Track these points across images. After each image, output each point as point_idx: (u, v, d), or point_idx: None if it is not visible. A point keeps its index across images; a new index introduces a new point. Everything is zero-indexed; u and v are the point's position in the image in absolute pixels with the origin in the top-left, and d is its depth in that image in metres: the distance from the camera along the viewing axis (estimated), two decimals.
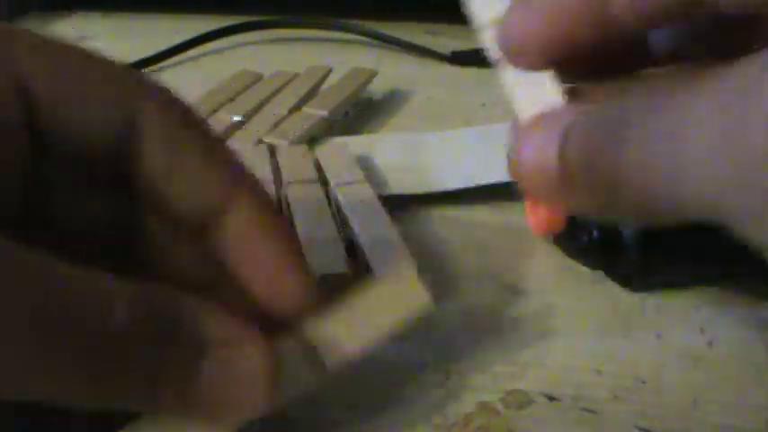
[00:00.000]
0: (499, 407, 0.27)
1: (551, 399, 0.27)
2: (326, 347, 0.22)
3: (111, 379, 0.18)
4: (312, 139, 0.43)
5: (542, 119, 0.22)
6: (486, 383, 0.28)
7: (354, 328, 0.23)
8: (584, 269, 0.34)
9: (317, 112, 0.45)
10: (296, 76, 0.50)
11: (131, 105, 0.21)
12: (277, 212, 0.24)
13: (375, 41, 0.63)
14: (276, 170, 0.38)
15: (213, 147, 0.23)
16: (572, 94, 0.23)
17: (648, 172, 0.18)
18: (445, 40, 0.65)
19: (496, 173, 0.39)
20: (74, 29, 0.67)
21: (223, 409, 0.20)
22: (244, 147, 0.41)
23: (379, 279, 0.24)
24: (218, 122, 0.44)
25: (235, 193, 0.22)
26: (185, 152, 0.22)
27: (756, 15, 0.21)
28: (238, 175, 0.23)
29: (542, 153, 0.21)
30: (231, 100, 0.46)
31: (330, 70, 0.51)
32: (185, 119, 0.22)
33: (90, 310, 0.18)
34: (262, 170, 0.37)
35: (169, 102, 0.22)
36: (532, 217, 0.35)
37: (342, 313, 0.23)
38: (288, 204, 0.34)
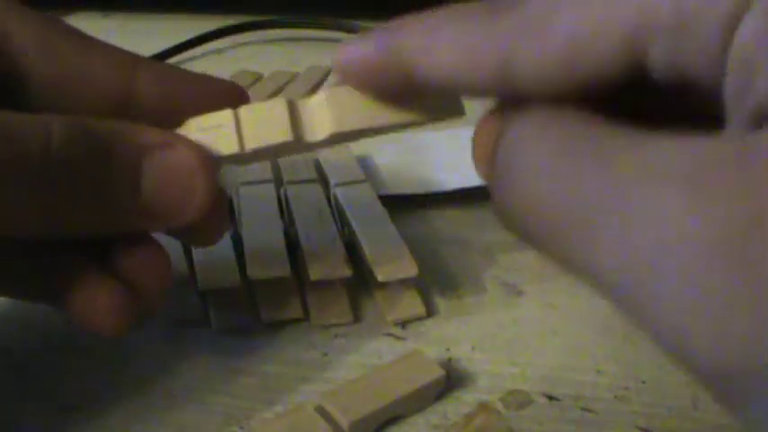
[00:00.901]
0: (499, 407, 0.27)
1: (551, 399, 0.27)
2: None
3: (66, 200, 0.20)
4: None
5: (498, 108, 0.20)
6: (486, 383, 0.28)
7: None
8: None
9: None
10: (296, 76, 0.50)
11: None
12: (187, 73, 0.25)
13: None
14: (276, 170, 0.38)
15: (94, 41, 0.24)
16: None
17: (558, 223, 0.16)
18: None
19: None
20: None
21: (171, 207, 0.22)
22: None
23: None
24: None
25: (135, 67, 0.24)
26: (65, 47, 0.23)
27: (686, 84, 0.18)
28: (132, 55, 0.24)
29: (481, 145, 0.19)
30: None
31: (330, 70, 0.51)
32: (55, 22, 0.24)
33: (31, 140, 0.20)
34: (262, 170, 0.37)
35: (36, 14, 0.23)
36: None
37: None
38: (288, 204, 0.34)
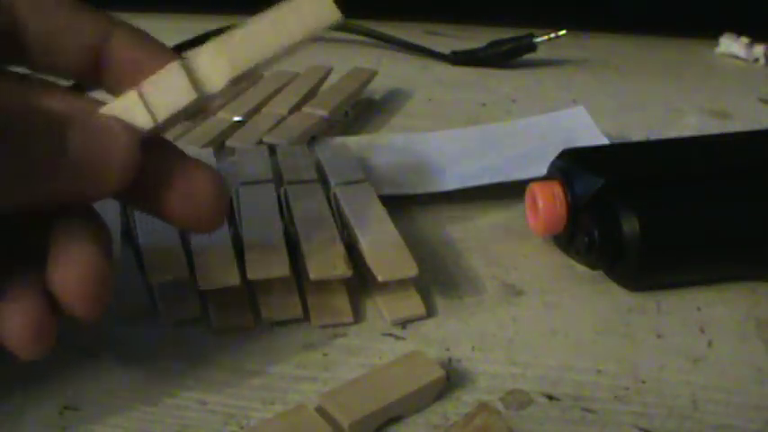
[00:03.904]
0: (499, 407, 0.27)
1: (551, 399, 0.27)
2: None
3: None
4: (312, 139, 0.43)
5: None
6: (486, 383, 0.28)
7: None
8: (584, 269, 0.34)
9: (316, 112, 0.45)
10: (296, 76, 0.50)
11: None
12: (152, 37, 0.27)
13: (375, 41, 0.63)
14: (276, 170, 0.38)
15: (80, 3, 0.26)
16: None
17: None
18: (445, 40, 0.65)
19: (496, 173, 0.39)
20: None
21: (96, 163, 0.23)
22: (244, 147, 0.41)
23: None
24: (219, 122, 0.44)
25: (111, 26, 0.26)
26: (54, 6, 0.25)
27: None
28: (110, 16, 0.26)
29: None
30: (231, 100, 0.46)
31: (330, 70, 0.51)
32: None
33: None
34: (262, 170, 0.37)
35: None
36: (532, 218, 0.35)
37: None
38: (288, 204, 0.34)
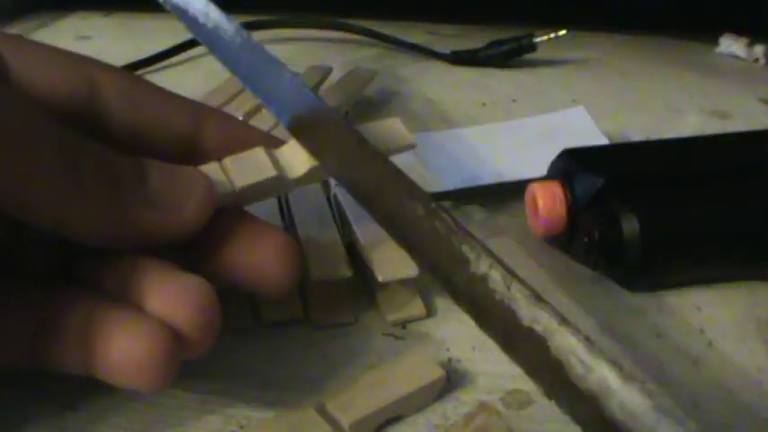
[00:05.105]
0: (499, 407, 0.27)
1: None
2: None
3: (97, 196, 0.22)
4: None
5: None
6: (486, 383, 0.28)
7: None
8: (584, 269, 0.34)
9: None
10: None
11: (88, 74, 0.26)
12: (244, 123, 0.29)
13: (375, 41, 0.63)
14: None
15: (168, 93, 0.27)
16: None
17: None
18: (445, 40, 0.65)
19: (496, 173, 0.39)
20: (74, 29, 0.67)
21: (177, 201, 0.24)
22: None
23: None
24: None
25: (202, 115, 0.27)
26: (144, 98, 0.27)
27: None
28: (200, 105, 0.28)
29: None
30: (231, 100, 0.46)
31: (330, 70, 0.51)
32: (136, 78, 0.27)
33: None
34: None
35: (120, 70, 0.27)
36: (532, 218, 0.35)
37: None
38: (288, 204, 0.34)
